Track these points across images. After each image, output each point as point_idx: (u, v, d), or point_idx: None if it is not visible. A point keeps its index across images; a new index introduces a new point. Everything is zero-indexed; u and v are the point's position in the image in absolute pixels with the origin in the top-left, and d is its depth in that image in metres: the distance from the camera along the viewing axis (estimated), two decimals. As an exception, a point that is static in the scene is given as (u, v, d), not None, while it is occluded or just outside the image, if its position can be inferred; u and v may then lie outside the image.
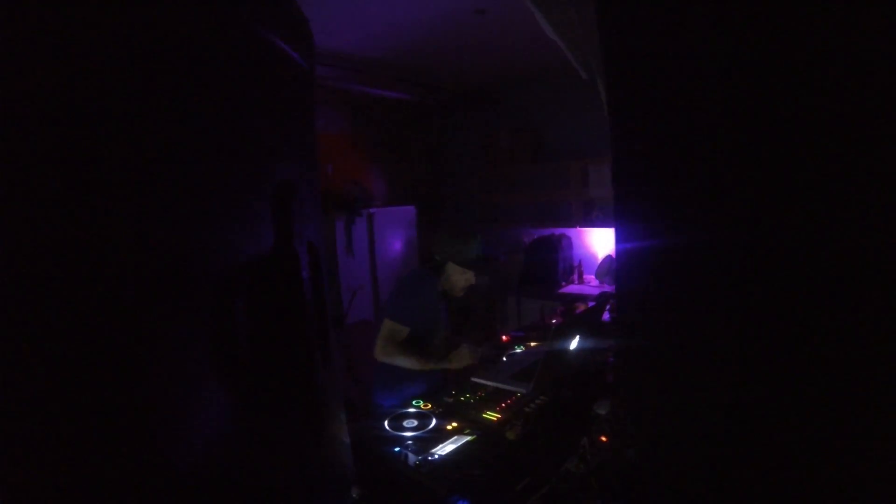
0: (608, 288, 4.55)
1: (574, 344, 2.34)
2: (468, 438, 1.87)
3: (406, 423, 1.98)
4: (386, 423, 1.98)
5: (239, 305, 0.58)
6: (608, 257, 4.86)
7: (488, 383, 2.35)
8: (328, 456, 0.74)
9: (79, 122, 0.53)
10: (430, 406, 2.14)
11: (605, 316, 3.03)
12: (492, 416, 2.03)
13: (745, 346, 0.82)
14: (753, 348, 0.81)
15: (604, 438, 1.80)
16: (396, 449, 1.81)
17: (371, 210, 5.30)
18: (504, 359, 2.69)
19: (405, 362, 2.38)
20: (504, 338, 3.05)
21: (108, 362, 0.48)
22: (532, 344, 2.89)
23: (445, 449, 1.80)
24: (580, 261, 5.17)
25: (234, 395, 0.55)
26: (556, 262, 5.01)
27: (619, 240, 1.02)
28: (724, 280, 0.82)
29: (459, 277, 2.53)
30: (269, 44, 0.69)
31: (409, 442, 1.85)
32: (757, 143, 0.79)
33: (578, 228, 5.19)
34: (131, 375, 0.49)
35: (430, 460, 1.73)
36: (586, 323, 2.60)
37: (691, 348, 0.87)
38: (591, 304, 3.53)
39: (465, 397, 2.20)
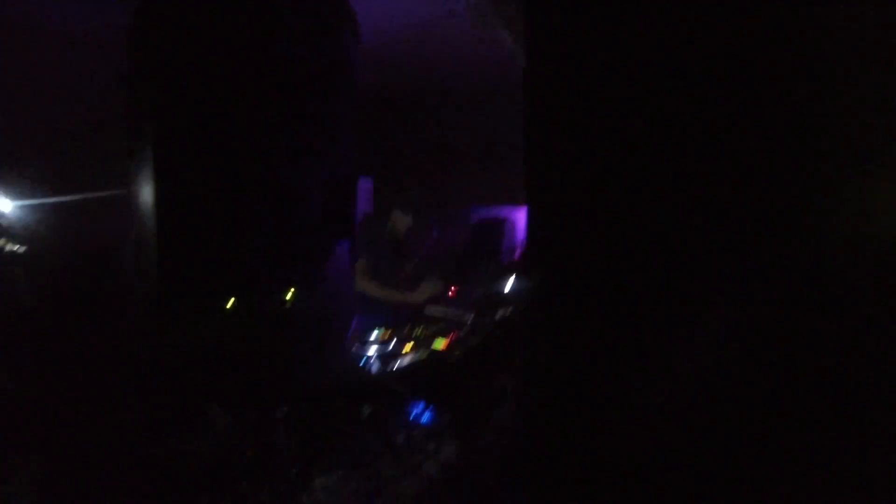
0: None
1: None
2: (421, 357, 2.27)
3: (369, 342, 2.35)
4: (353, 342, 2.36)
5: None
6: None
7: (439, 315, 2.74)
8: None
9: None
10: (390, 332, 2.52)
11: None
12: (441, 342, 2.43)
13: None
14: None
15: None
16: (361, 363, 2.19)
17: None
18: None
19: (372, 290, 2.74)
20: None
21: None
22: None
23: (403, 363, 2.20)
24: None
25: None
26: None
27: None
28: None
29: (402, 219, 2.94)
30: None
31: (372, 357, 2.24)
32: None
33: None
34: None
35: (389, 371, 2.13)
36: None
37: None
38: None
39: (420, 327, 2.59)
